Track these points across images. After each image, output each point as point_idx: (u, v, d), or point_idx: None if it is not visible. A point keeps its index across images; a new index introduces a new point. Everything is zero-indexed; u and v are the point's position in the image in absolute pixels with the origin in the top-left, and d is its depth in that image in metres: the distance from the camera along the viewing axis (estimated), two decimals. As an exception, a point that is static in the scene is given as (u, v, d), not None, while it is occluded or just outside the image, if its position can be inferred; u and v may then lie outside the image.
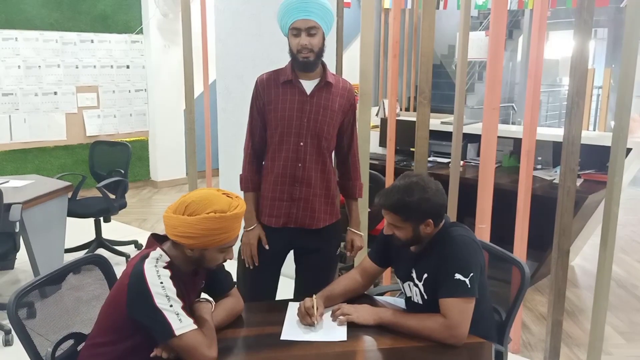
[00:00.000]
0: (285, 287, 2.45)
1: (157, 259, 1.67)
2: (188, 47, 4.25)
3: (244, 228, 2.29)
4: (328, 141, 2.29)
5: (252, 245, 2.29)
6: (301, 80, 2.24)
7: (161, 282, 1.62)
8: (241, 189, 2.36)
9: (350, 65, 4.44)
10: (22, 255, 3.56)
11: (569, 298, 3.86)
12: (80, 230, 4.64)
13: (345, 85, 2.34)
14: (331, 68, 3.53)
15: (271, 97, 2.25)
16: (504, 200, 3.44)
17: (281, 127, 2.24)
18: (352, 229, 2.44)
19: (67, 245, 4.01)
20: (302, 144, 2.24)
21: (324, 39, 2.20)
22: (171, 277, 1.65)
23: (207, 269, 1.83)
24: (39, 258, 3.52)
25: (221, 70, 4.29)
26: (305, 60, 2.17)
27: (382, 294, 2.41)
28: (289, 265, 2.42)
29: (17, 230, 3.27)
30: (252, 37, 4.01)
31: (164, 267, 1.66)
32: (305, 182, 2.27)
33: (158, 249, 1.72)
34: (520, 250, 3.07)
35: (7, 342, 3.12)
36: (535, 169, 4.30)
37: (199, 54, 4.89)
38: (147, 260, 1.66)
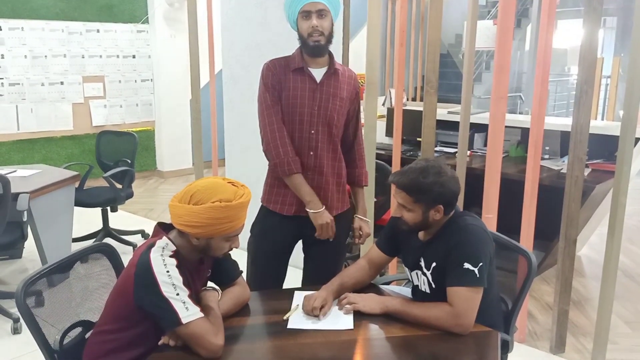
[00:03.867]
0: (293, 277, 2.46)
1: (164, 248, 1.68)
2: (194, 36, 4.24)
3: (310, 210, 2.22)
4: (338, 129, 2.29)
5: (331, 222, 2.23)
6: (311, 68, 2.24)
7: (167, 271, 1.62)
8: (284, 175, 2.22)
9: (357, 55, 4.41)
10: (30, 245, 3.58)
11: (575, 288, 3.85)
12: (87, 220, 4.67)
13: (351, 74, 2.35)
14: (337, 57, 3.52)
15: (283, 83, 2.24)
16: (511, 190, 3.43)
17: (292, 114, 2.23)
18: (360, 216, 2.44)
19: (75, 235, 4.04)
20: (313, 131, 2.24)
21: (332, 24, 2.20)
22: (177, 266, 1.65)
23: (213, 258, 1.84)
24: (46, 247, 3.54)
25: (227, 59, 4.28)
26: (317, 44, 2.16)
27: (388, 283, 2.41)
28: (296, 255, 2.42)
29: (24, 219, 3.29)
30: (258, 26, 4.00)
31: (170, 256, 1.67)
32: (318, 170, 2.27)
33: (164, 237, 1.72)
34: (527, 240, 3.06)
35: (16, 330, 3.15)
36: (542, 158, 4.28)
37: (205, 43, 4.88)
38: (153, 249, 1.66)
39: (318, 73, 2.25)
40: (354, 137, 2.41)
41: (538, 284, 3.94)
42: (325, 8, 2.14)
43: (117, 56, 6.70)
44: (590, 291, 3.89)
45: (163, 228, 1.79)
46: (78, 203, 4.12)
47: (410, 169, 1.87)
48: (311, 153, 2.25)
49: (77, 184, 4.04)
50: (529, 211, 3.06)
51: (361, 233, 2.43)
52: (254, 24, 4.03)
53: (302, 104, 2.22)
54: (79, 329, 1.87)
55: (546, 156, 4.33)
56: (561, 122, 4.41)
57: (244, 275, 2.05)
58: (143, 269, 1.62)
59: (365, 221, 2.44)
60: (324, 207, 2.24)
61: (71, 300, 2.00)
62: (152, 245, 1.68)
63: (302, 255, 2.46)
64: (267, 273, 2.37)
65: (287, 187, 2.28)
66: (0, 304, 3.29)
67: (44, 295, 1.90)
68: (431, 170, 1.84)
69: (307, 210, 2.23)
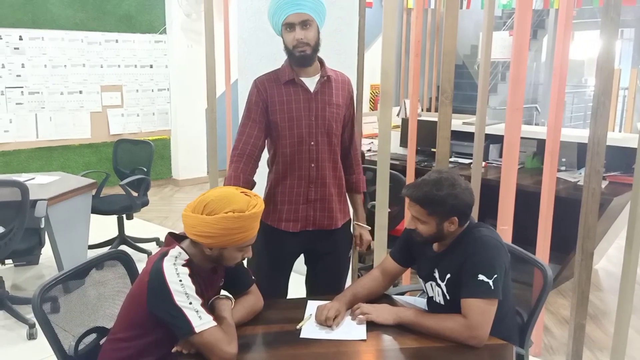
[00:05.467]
0: (297, 284, 2.44)
1: (176, 257, 1.69)
2: (210, 46, 4.28)
3: None
4: (337, 137, 2.25)
5: None
6: (302, 78, 2.18)
7: (180, 280, 1.63)
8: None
9: (372, 65, 4.43)
10: (46, 251, 3.62)
11: (592, 301, 3.80)
12: (103, 227, 4.71)
13: (344, 79, 2.29)
14: (353, 67, 3.53)
15: (274, 98, 2.18)
16: (527, 202, 3.40)
17: (289, 128, 2.17)
18: (359, 223, 2.41)
19: (91, 242, 4.08)
20: (313, 143, 2.19)
21: (318, 32, 2.12)
22: (190, 275, 1.66)
23: (226, 267, 1.84)
24: (63, 254, 3.57)
25: (243, 69, 4.31)
26: (302, 54, 2.09)
27: (402, 294, 2.40)
28: (298, 261, 2.41)
29: (42, 226, 3.33)
30: (274, 36, 4.00)
31: (183, 265, 1.68)
32: (320, 182, 2.22)
33: (177, 247, 1.73)
34: (543, 252, 3.03)
35: (32, 336, 3.18)
36: (559, 170, 4.24)
37: (222, 54, 4.92)
38: (166, 259, 1.67)
39: (311, 82, 2.19)
40: (350, 143, 2.36)
41: (554, 297, 3.89)
42: (310, 18, 2.06)
43: (135, 66, 6.78)
44: (607, 305, 3.83)
45: (175, 238, 1.80)
46: (95, 210, 4.16)
47: (423, 181, 1.86)
48: (312, 165, 2.20)
49: (94, 192, 4.09)
50: (545, 223, 3.03)
51: (362, 240, 2.40)
52: (270, 34, 4.03)
53: (299, 116, 2.17)
54: (93, 335, 1.89)
55: (563, 168, 4.29)
56: (578, 133, 4.37)
57: None
58: (156, 277, 1.64)
59: (365, 228, 2.41)
60: None
61: (86, 306, 2.02)
62: (165, 254, 1.69)
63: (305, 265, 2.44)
64: (269, 288, 2.28)
65: (292, 203, 2.23)
66: (16, 309, 3.33)
67: (59, 302, 1.92)
68: (445, 182, 1.82)
69: None
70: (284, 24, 2.09)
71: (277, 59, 3.98)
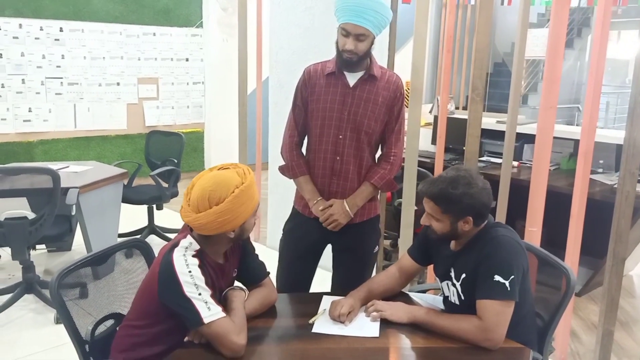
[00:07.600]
0: (325, 280, 2.44)
1: (187, 248, 1.70)
2: (243, 41, 4.31)
3: (311, 204, 2.28)
4: (369, 135, 2.24)
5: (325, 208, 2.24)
6: (345, 73, 2.21)
7: (189, 271, 1.64)
8: (291, 178, 2.35)
9: (408, 62, 4.36)
10: (79, 238, 3.70)
11: (624, 308, 3.67)
12: (134, 217, 4.79)
13: (392, 79, 2.26)
14: (383, 63, 3.49)
15: (315, 88, 2.25)
16: (561, 204, 3.30)
17: (322, 119, 2.23)
18: (345, 201, 2.24)
19: (121, 231, 4.15)
20: (341, 136, 2.22)
21: (372, 42, 2.15)
22: (200, 266, 1.66)
23: (239, 255, 1.88)
24: (93, 241, 3.65)
25: (274, 63, 4.32)
26: (348, 60, 2.14)
27: (424, 292, 2.36)
28: (328, 258, 2.41)
29: (73, 213, 3.40)
30: (305, 30, 4.02)
31: (193, 256, 1.68)
32: (343, 175, 2.25)
33: (189, 236, 1.74)
34: (572, 255, 2.94)
35: (59, 320, 3.24)
36: (596, 172, 4.11)
37: (254, 49, 4.93)
38: (176, 250, 1.68)
39: (353, 77, 2.21)
40: (387, 140, 2.32)
41: (585, 303, 3.77)
42: (367, 32, 2.08)
43: (171, 59, 6.88)
44: (639, 312, 3.70)
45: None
46: (125, 200, 4.23)
47: (440, 178, 1.82)
48: (337, 158, 2.24)
49: (125, 181, 4.16)
50: (575, 226, 2.93)
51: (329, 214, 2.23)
52: (301, 29, 4.05)
53: (332, 108, 2.21)
54: (112, 321, 1.92)
55: (600, 170, 4.16)
56: (616, 134, 4.22)
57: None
58: (166, 269, 1.65)
59: (341, 206, 2.22)
60: (318, 199, 2.25)
61: (110, 293, 2.06)
62: (176, 245, 1.71)
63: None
64: (292, 271, 2.38)
65: None
66: (45, 293, 3.41)
67: (87, 288, 1.98)
68: (461, 180, 1.78)
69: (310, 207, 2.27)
70: (341, 26, 2.11)
71: (307, 53, 4.00)
